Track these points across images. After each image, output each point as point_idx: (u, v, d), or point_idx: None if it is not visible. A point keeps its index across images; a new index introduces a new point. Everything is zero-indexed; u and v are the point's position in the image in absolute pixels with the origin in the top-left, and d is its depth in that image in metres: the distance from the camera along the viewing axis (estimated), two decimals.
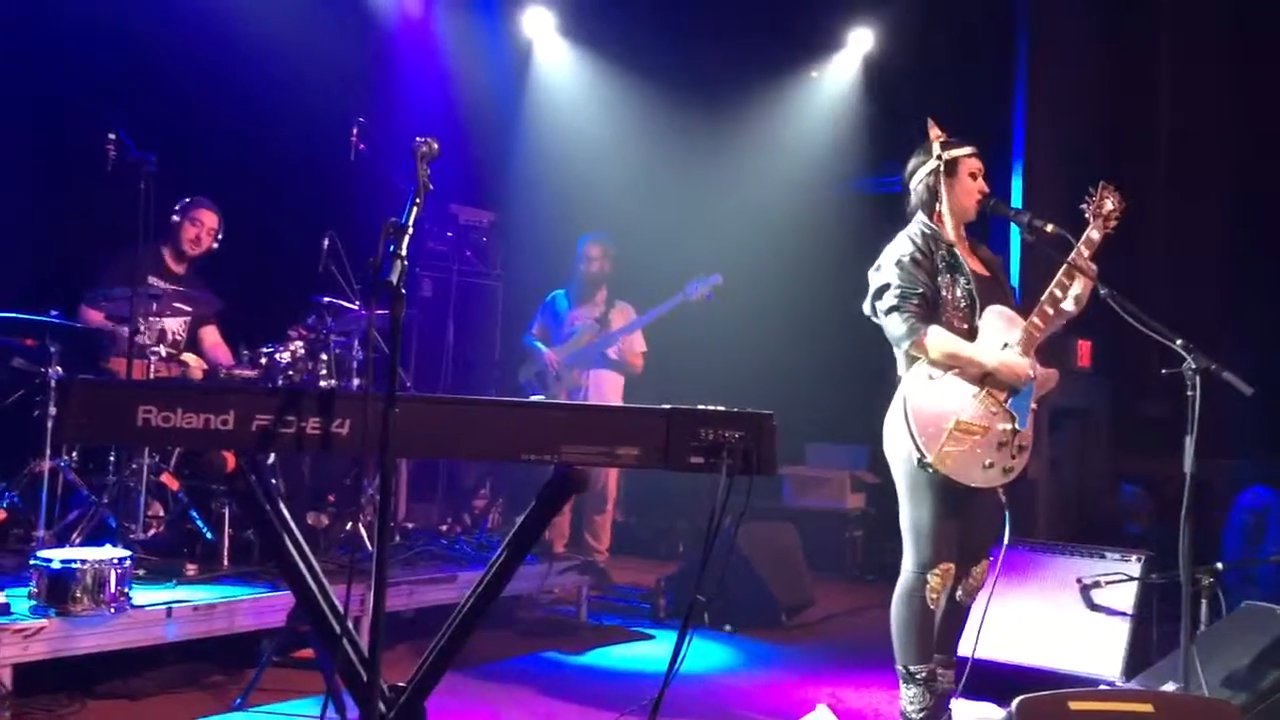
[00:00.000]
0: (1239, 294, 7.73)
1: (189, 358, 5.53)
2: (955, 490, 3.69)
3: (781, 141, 8.71)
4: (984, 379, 3.72)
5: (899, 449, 3.77)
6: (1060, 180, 7.26)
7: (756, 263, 7.80)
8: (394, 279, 2.57)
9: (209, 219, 5.68)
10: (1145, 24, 8.26)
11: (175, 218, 5.62)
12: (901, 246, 3.85)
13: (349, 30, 7.18)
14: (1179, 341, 3.68)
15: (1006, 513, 3.81)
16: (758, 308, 7.93)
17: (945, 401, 3.70)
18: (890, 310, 3.77)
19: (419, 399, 2.84)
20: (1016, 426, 3.73)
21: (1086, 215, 3.86)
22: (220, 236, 5.74)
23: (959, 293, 3.81)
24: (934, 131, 3.96)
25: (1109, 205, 3.85)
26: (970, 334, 3.78)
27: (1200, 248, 8.02)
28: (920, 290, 3.76)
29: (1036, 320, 3.79)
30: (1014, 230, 6.49)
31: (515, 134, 8.49)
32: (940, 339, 3.72)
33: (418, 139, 2.83)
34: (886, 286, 3.80)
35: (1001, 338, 3.78)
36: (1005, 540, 3.84)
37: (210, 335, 5.80)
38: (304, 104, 6.48)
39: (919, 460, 3.67)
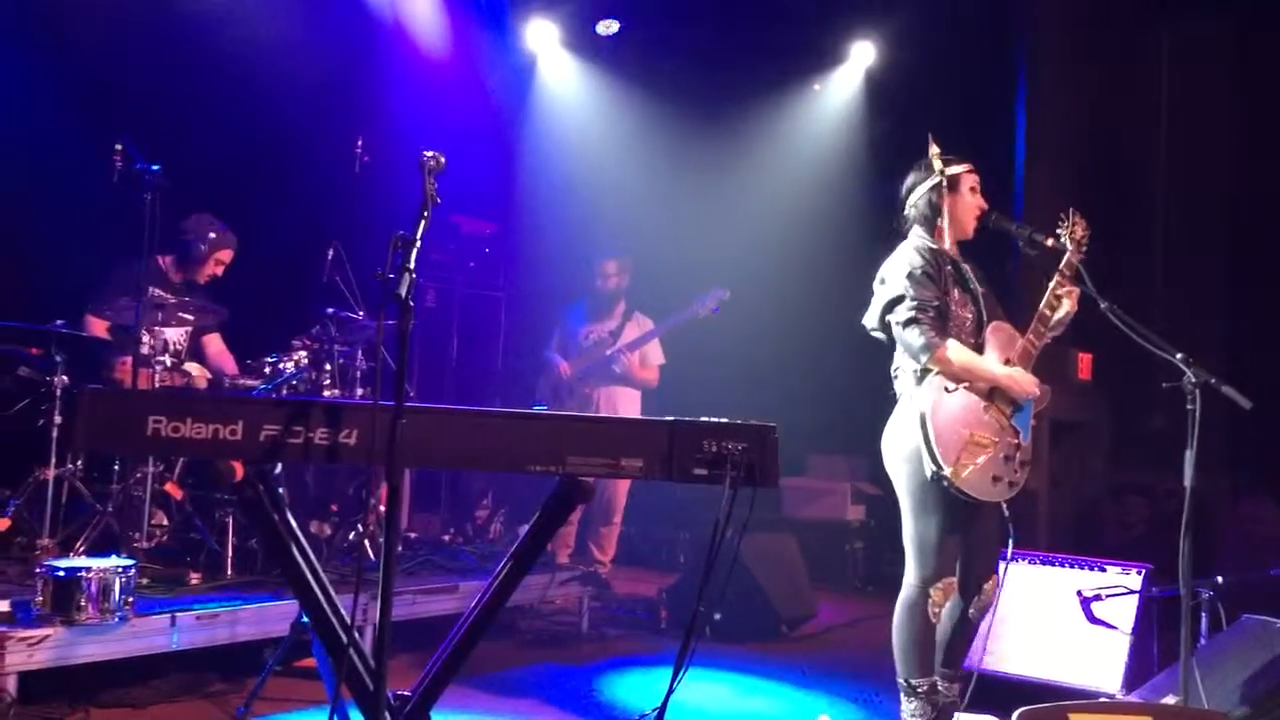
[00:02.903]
0: (1238, 306, 7.76)
1: (192, 367, 5.55)
2: (961, 505, 3.72)
3: (783, 154, 8.74)
4: (991, 393, 3.75)
5: (907, 463, 3.77)
6: (1060, 194, 7.29)
7: (758, 274, 7.82)
8: (403, 292, 2.60)
9: (228, 257, 5.74)
10: (1147, 38, 8.30)
11: (202, 246, 5.62)
12: (909, 259, 3.83)
13: (354, 43, 7.22)
14: (1179, 355, 3.71)
15: (1010, 525, 3.83)
16: (759, 319, 7.95)
17: (961, 415, 3.72)
18: (909, 323, 3.74)
19: (426, 410, 2.86)
20: (1021, 441, 3.77)
21: (1063, 239, 3.89)
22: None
23: (968, 311, 3.85)
24: (933, 148, 3.97)
25: (1079, 232, 3.90)
26: (977, 349, 3.81)
27: (1201, 261, 8.04)
28: (937, 304, 3.77)
29: (1032, 336, 3.83)
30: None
31: (519, 146, 8.52)
32: (960, 352, 3.74)
33: (425, 152, 2.86)
34: (900, 299, 3.78)
35: (1004, 353, 3.81)
36: (1009, 554, 3.86)
37: (214, 344, 5.82)
38: (309, 116, 6.51)
39: (934, 474, 3.67)
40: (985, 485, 3.70)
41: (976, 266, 4.09)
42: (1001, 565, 3.94)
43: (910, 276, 3.79)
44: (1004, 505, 3.81)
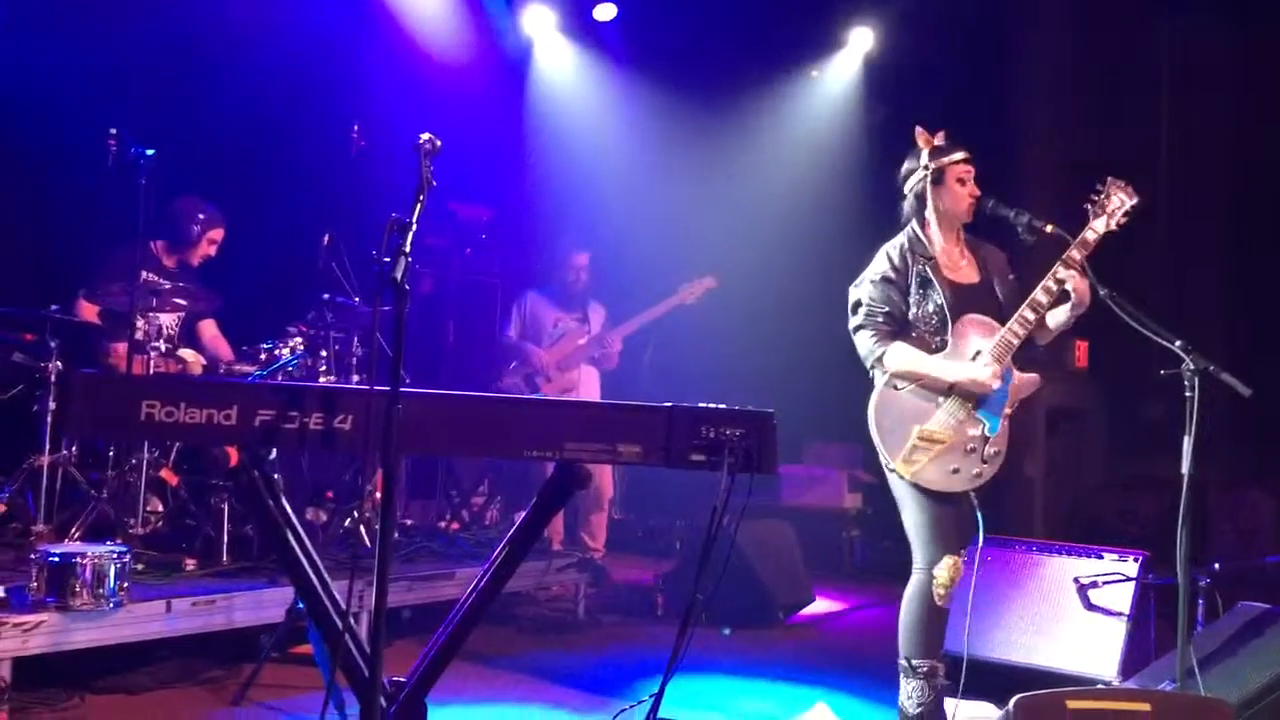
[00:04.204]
0: (1236, 297, 7.76)
1: (187, 353, 5.52)
2: (935, 491, 3.73)
3: (781, 140, 8.72)
4: (950, 388, 3.75)
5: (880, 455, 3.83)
6: (1058, 180, 7.27)
7: (755, 261, 7.81)
8: (398, 276, 2.58)
9: (219, 236, 5.72)
10: (1148, 30, 8.27)
11: (195, 227, 5.60)
12: (879, 265, 3.89)
13: (350, 28, 7.18)
14: (1178, 343, 3.69)
15: (979, 514, 3.82)
16: (756, 306, 7.95)
17: (907, 411, 3.75)
18: (858, 329, 3.85)
19: (423, 395, 2.85)
20: (986, 433, 3.75)
21: (1092, 212, 3.82)
22: None
23: (930, 308, 3.82)
24: (923, 138, 3.94)
25: (1115, 201, 3.81)
26: (941, 347, 3.79)
27: (1200, 248, 8.04)
28: (887, 309, 3.81)
29: (1015, 327, 3.77)
30: None
31: (516, 132, 8.48)
32: (899, 356, 3.75)
33: (421, 135, 2.84)
34: (859, 304, 3.87)
35: (976, 346, 3.78)
36: (980, 541, 3.85)
37: (209, 329, 5.80)
38: (305, 101, 6.48)
39: (886, 466, 3.76)
40: (943, 478, 3.72)
41: (992, 248, 4.04)
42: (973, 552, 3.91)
43: (873, 282, 3.86)
44: (972, 495, 3.80)
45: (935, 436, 3.71)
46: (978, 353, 3.76)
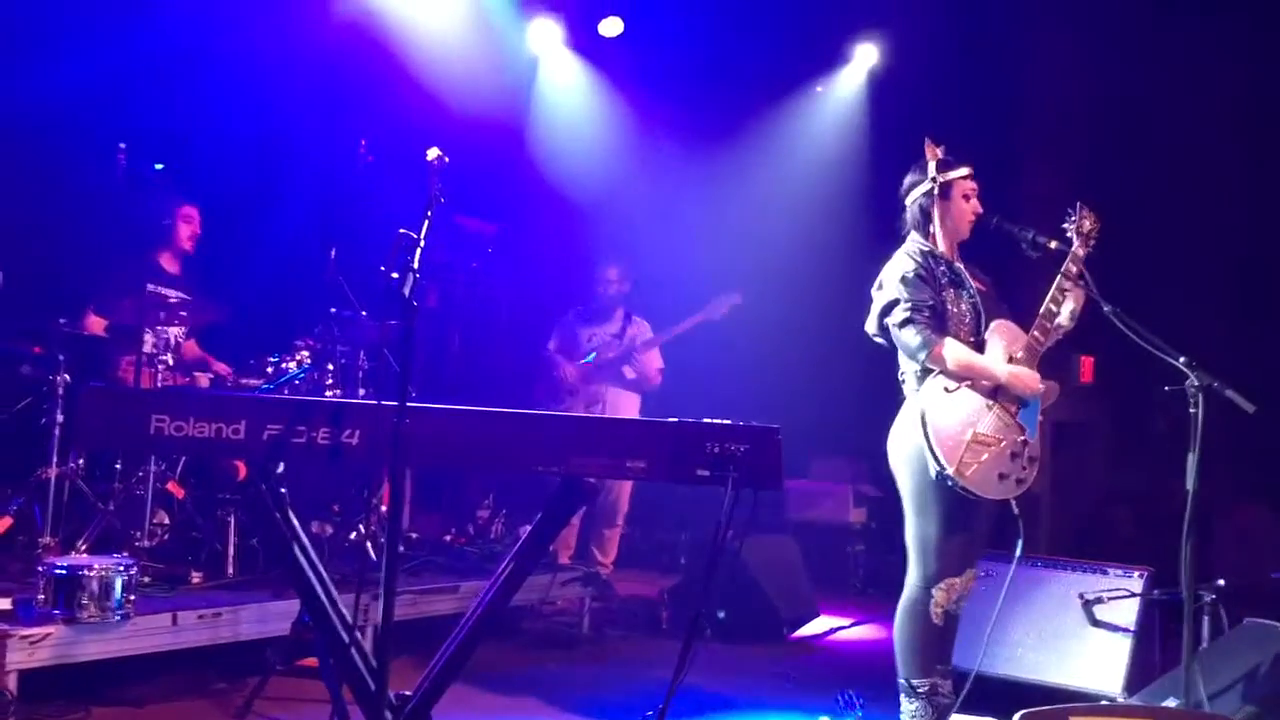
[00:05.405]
0: (1243, 311, 7.75)
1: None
2: (964, 504, 3.72)
3: (786, 155, 8.73)
4: (996, 391, 3.76)
5: (910, 463, 3.79)
6: (1060, 196, 7.26)
7: (759, 276, 7.82)
8: (407, 292, 2.60)
9: (194, 214, 5.71)
10: (1150, 39, 8.27)
11: (165, 219, 5.62)
12: (903, 264, 3.89)
13: (358, 42, 7.21)
14: (1182, 359, 3.70)
15: (1021, 523, 3.83)
16: (761, 321, 7.95)
17: (962, 414, 3.73)
18: (904, 324, 3.80)
19: (429, 410, 2.86)
20: (1027, 438, 3.77)
21: (1069, 234, 3.93)
22: None
23: (964, 306, 3.86)
24: (930, 151, 3.98)
25: (1087, 225, 3.93)
26: (978, 347, 3.82)
27: (1205, 264, 8.03)
28: (930, 303, 3.81)
29: (1037, 333, 3.84)
30: None
31: (523, 146, 8.51)
32: (956, 350, 3.76)
33: (430, 150, 2.87)
34: (895, 302, 3.83)
35: (1008, 350, 3.82)
36: (1019, 552, 3.86)
37: (192, 350, 5.79)
38: (313, 116, 6.51)
39: (939, 474, 3.68)
40: (991, 483, 3.70)
41: (976, 268, 4.10)
42: (1003, 567, 3.94)
43: (904, 280, 3.84)
44: (1013, 503, 3.81)
45: (987, 440, 3.71)
46: (1011, 357, 3.80)
